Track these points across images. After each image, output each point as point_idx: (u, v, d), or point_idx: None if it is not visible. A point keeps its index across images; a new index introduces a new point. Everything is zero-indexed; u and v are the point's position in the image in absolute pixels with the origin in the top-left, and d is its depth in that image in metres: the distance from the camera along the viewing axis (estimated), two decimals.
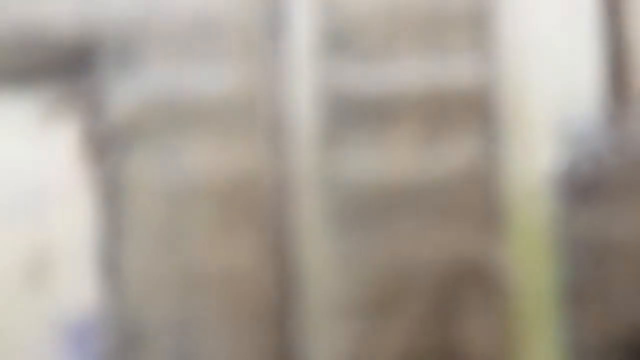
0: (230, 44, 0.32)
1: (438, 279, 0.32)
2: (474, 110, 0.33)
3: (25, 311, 0.34)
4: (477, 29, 0.32)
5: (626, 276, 0.32)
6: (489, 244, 0.33)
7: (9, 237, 0.34)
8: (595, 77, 0.34)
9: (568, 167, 0.33)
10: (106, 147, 0.34)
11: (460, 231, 0.33)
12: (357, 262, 0.33)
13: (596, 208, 0.33)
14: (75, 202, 0.34)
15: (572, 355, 0.33)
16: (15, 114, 0.34)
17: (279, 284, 0.33)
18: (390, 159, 0.33)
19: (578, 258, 0.33)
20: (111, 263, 0.33)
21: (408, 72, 0.33)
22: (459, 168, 0.32)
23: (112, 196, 0.34)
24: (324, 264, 0.33)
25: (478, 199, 0.33)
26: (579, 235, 0.33)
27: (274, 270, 0.33)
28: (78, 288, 0.34)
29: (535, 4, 0.34)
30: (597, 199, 0.33)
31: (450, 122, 0.32)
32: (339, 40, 0.33)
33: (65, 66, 0.34)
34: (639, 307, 0.32)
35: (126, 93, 0.33)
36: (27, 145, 0.35)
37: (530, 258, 0.33)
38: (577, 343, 0.33)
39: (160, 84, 0.33)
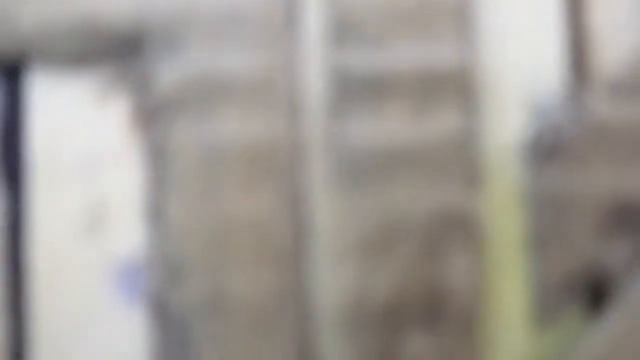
0: (255, 31, 0.38)
1: (426, 226, 0.38)
2: (456, 88, 0.38)
3: (86, 253, 0.39)
4: (459, 19, 0.38)
5: (581, 223, 0.38)
6: (469, 198, 0.38)
7: (73, 191, 0.40)
8: (559, 60, 0.40)
9: (534, 135, 0.39)
10: (153, 117, 0.39)
11: (445, 187, 0.38)
12: (358, 213, 0.38)
13: (557, 169, 0.39)
14: (127, 162, 0.39)
15: (537, 289, 0.38)
16: (79, 90, 0.40)
17: (293, 229, 0.38)
18: (386, 128, 0.38)
19: (542, 209, 0.39)
20: (157, 212, 0.39)
21: (401, 56, 0.38)
22: (443, 135, 0.38)
23: (158, 157, 0.39)
24: (330, 214, 0.38)
25: (460, 161, 0.38)
26: (543, 191, 0.38)
27: (289, 218, 0.38)
28: (129, 233, 0.39)
29: (508, 2, 0.40)
30: (558, 161, 0.39)
31: (435, 98, 0.38)
32: (343, 30, 0.39)
33: (120, 50, 0.39)
34: (592, 249, 0.38)
35: (170, 72, 0.39)
36: (89, 116, 0.40)
37: (503, 209, 0.39)
38: (541, 279, 0.38)
39: (197, 64, 0.39)
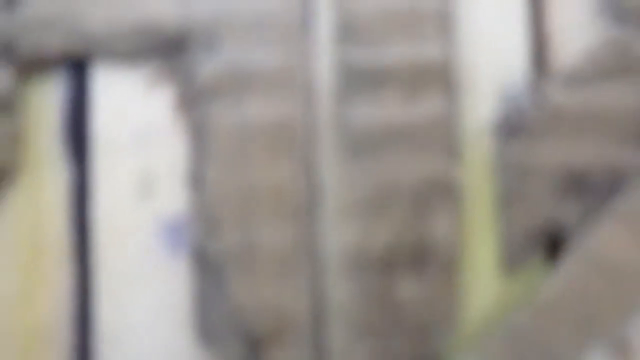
0: (277, 33, 0.44)
1: (415, 190, 0.44)
2: (439, 79, 0.44)
3: (139, 213, 0.45)
4: (441, 23, 0.44)
5: (540, 188, 0.44)
6: (450, 167, 0.44)
7: (128, 163, 0.46)
8: (523, 56, 0.46)
9: (502, 117, 0.45)
10: (194, 101, 0.45)
11: (430, 159, 0.44)
12: (360, 179, 0.44)
13: (520, 144, 0.45)
14: (173, 139, 0.46)
15: (505, 242, 0.44)
16: (134, 80, 0.46)
17: (307, 192, 0.44)
18: (382, 111, 0.44)
19: (508, 176, 0.45)
20: (197, 179, 0.45)
21: (394, 53, 0.44)
22: (429, 117, 0.44)
23: (198, 134, 0.45)
24: (337, 180, 0.44)
25: (442, 137, 0.44)
26: (509, 162, 0.45)
27: (304, 183, 0.44)
28: (174, 197, 0.45)
29: (481, 4, 0.46)
30: (521, 138, 0.45)
31: (423, 87, 0.44)
32: (347, 32, 0.45)
33: (168, 48, 0.45)
34: (549, 209, 0.44)
35: (208, 66, 0.45)
36: (142, 101, 0.46)
37: (477, 176, 0.45)
38: (508, 234, 0.44)
39: (230, 59, 0.44)
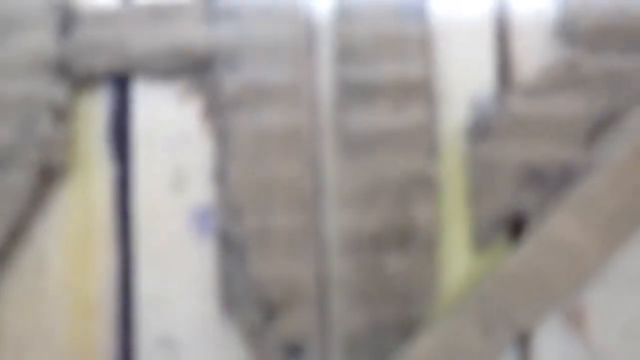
0: (287, 54, 0.49)
1: (401, 183, 0.49)
2: (421, 92, 0.49)
3: (173, 203, 0.50)
4: (423, 45, 0.49)
5: (504, 181, 0.49)
6: (430, 165, 0.49)
7: (164, 161, 0.50)
8: (491, 72, 0.51)
9: (473, 123, 0.50)
10: (219, 111, 0.50)
11: (414, 158, 0.49)
12: (355, 174, 0.49)
13: (488, 145, 0.50)
14: (201, 141, 0.50)
15: (475, 226, 0.49)
16: (169, 93, 0.51)
17: (312, 185, 0.49)
18: (374, 119, 0.49)
19: (478, 172, 0.49)
20: (221, 175, 0.50)
21: (386, 70, 0.49)
22: (413, 123, 0.49)
23: (222, 138, 0.50)
24: (336, 175, 0.49)
25: (424, 140, 0.49)
26: (479, 159, 0.50)
27: (310, 178, 0.49)
28: (202, 189, 0.50)
29: (455, 30, 0.51)
30: (488, 140, 0.50)
31: (407, 98, 0.49)
32: (346, 53, 0.50)
33: (197, 66, 0.50)
34: (512, 198, 0.49)
35: (230, 81, 0.50)
36: (175, 111, 0.51)
37: (452, 172, 0.50)
38: (479, 219, 0.49)
39: (249, 76, 0.49)
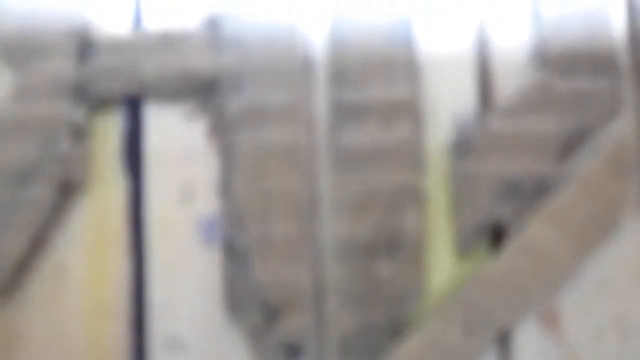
0: (285, 78, 0.50)
1: (391, 195, 0.50)
2: (408, 111, 0.51)
3: (182, 213, 0.51)
4: (409, 69, 0.51)
5: (484, 193, 0.50)
6: (417, 178, 0.51)
7: (173, 175, 0.52)
8: (472, 95, 0.52)
9: (456, 140, 0.52)
10: (224, 130, 0.51)
11: (402, 171, 0.51)
12: (348, 187, 0.51)
13: (469, 160, 0.51)
14: (207, 157, 0.52)
15: (458, 234, 0.50)
16: (177, 113, 0.52)
17: (309, 196, 0.50)
18: (366, 137, 0.51)
19: (461, 184, 0.51)
20: (225, 188, 0.51)
21: (375, 93, 0.51)
22: (401, 140, 0.50)
23: (226, 154, 0.51)
24: (331, 188, 0.51)
25: (411, 155, 0.51)
26: (461, 173, 0.51)
27: (307, 190, 0.50)
28: (209, 201, 0.51)
29: (441, 60, 0.52)
30: (470, 155, 0.51)
31: (396, 118, 0.50)
32: (339, 77, 0.51)
33: (204, 89, 0.52)
34: (492, 209, 0.50)
35: (235, 103, 0.51)
36: (184, 129, 0.52)
37: (437, 184, 0.51)
38: (461, 228, 0.50)
39: (251, 98, 0.51)
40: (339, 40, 0.51)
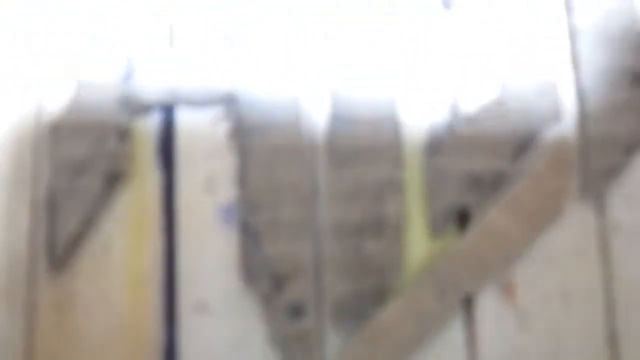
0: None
1: (376, 186, 0.52)
2: (391, 121, 0.53)
3: (206, 201, 0.52)
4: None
5: (453, 183, 0.53)
6: (398, 172, 0.53)
7: (199, 170, 0.53)
8: (444, 109, 0.54)
9: (430, 141, 0.53)
10: (240, 133, 0.54)
11: (385, 167, 0.53)
12: (342, 178, 0.53)
13: (441, 157, 0.53)
14: (227, 155, 0.53)
15: (431, 217, 0.52)
16: (204, 119, 0.53)
17: (310, 186, 0.52)
18: (357, 139, 0.52)
19: (432, 177, 0.52)
20: (242, 180, 0.53)
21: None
22: (385, 143, 0.53)
23: (243, 152, 0.53)
24: (328, 178, 0.52)
25: (394, 155, 0.53)
26: (433, 168, 0.53)
27: (309, 182, 0.52)
28: (228, 191, 0.53)
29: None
30: (441, 153, 0.53)
31: (380, 126, 0.52)
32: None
33: (225, 99, 0.53)
34: (459, 196, 0.52)
35: (250, 114, 0.53)
36: (209, 133, 0.53)
37: (413, 177, 0.53)
38: (435, 212, 0.52)
39: (262, 110, 0.53)
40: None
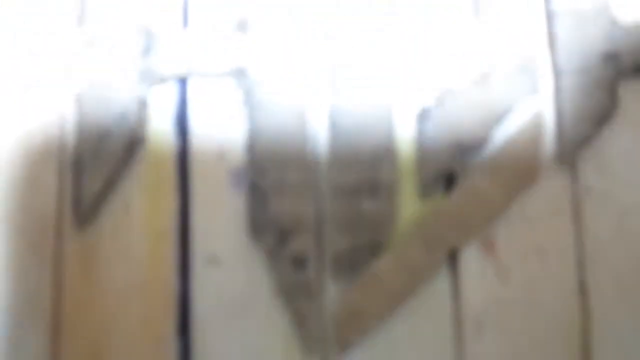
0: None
1: (372, 154, 0.53)
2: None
3: (218, 166, 0.53)
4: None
5: (441, 145, 0.52)
6: (392, 142, 0.53)
7: (213, 137, 0.52)
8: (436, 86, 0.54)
9: (421, 113, 0.53)
10: (249, 105, 0.53)
11: (381, 136, 0.53)
12: (341, 148, 0.53)
13: (431, 126, 0.53)
14: (238, 125, 0.53)
15: (423, 182, 0.52)
16: (216, 90, 0.53)
17: (313, 152, 0.53)
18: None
19: (422, 143, 0.53)
20: (252, 149, 0.53)
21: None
22: (378, 115, 0.53)
23: (253, 122, 0.53)
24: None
25: (387, 126, 0.53)
26: (424, 136, 0.53)
27: (311, 151, 0.52)
28: (239, 158, 0.53)
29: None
30: (431, 123, 0.53)
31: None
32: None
33: (236, 74, 0.53)
34: (447, 163, 0.52)
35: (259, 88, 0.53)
36: (221, 102, 0.53)
37: (408, 146, 0.53)
38: (425, 178, 0.52)
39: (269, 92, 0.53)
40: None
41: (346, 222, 0.52)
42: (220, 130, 0.54)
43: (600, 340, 0.49)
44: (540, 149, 0.53)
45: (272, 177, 0.52)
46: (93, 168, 0.53)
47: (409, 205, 0.52)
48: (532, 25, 0.54)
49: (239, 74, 0.54)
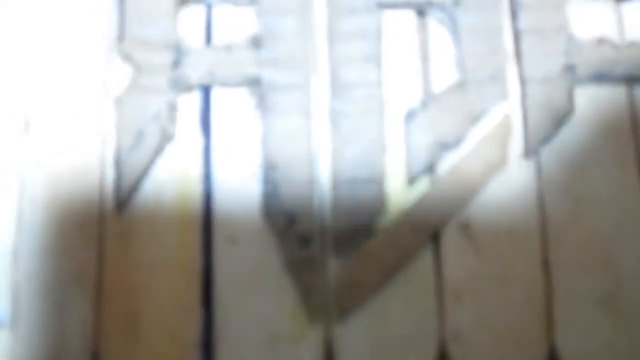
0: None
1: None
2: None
3: (236, 160, 0.55)
4: None
5: (426, 141, 0.55)
6: (382, 139, 0.55)
7: (233, 135, 0.55)
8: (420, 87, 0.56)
9: (406, 116, 0.56)
10: (262, 109, 0.56)
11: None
12: (338, 142, 0.55)
13: (416, 125, 0.56)
14: (253, 124, 0.56)
15: (410, 170, 0.54)
16: (235, 97, 0.56)
17: (315, 155, 0.55)
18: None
19: (409, 140, 0.56)
20: (266, 144, 0.55)
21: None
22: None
23: (265, 122, 0.56)
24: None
25: (376, 125, 0.55)
26: (410, 133, 0.56)
27: (314, 150, 0.55)
28: (254, 152, 0.55)
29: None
30: (416, 122, 0.56)
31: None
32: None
33: (250, 82, 0.55)
34: (431, 153, 0.54)
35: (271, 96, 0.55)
36: (239, 106, 0.56)
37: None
38: (411, 167, 0.54)
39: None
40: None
41: (345, 208, 0.54)
42: (238, 130, 0.57)
43: (561, 308, 0.52)
44: (509, 146, 0.56)
45: (282, 172, 0.55)
46: (130, 161, 0.55)
47: (398, 194, 0.55)
48: (501, 42, 0.58)
49: (254, 82, 0.57)
